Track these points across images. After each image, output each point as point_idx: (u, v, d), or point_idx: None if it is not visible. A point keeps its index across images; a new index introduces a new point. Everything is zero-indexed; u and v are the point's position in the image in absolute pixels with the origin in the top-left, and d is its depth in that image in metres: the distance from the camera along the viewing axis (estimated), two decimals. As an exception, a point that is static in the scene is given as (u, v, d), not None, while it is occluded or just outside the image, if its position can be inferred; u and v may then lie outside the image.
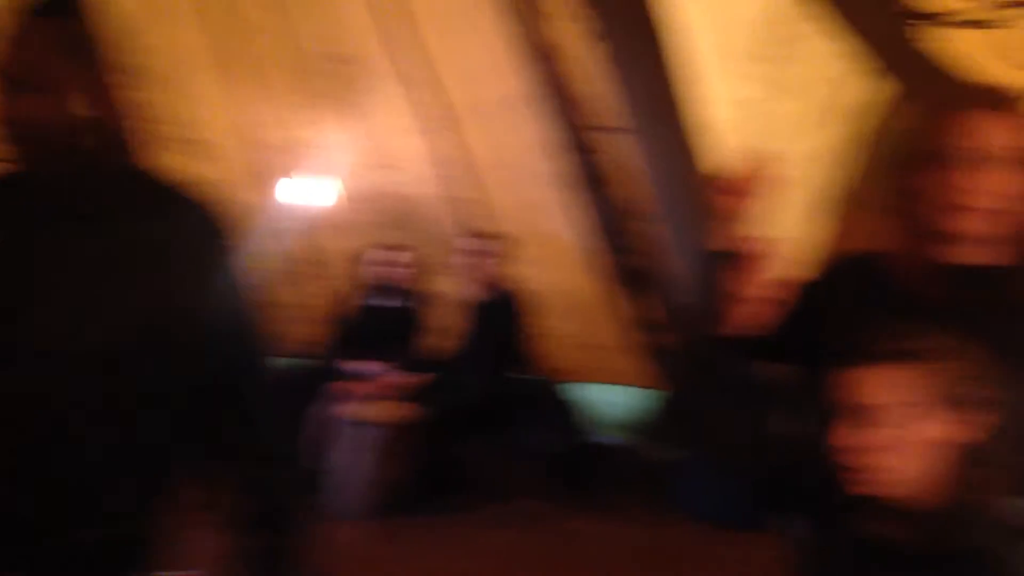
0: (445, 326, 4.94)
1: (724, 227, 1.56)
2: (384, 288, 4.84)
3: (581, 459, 4.74)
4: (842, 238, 3.90)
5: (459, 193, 5.33)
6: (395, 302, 4.90)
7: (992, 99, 1.49)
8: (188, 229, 1.23)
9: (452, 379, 4.58)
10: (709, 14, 3.62)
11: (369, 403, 4.41)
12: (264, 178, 5.34)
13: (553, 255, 5.17)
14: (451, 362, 4.79)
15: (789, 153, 3.90)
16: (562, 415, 4.86)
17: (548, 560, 3.86)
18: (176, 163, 1.33)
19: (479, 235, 4.69)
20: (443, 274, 5.79)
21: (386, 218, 5.43)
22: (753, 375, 1.55)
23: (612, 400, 5.34)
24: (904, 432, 1.24)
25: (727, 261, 1.52)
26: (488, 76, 4.53)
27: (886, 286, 1.52)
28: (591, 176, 4.15)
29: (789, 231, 4.00)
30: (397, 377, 4.54)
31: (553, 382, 5.24)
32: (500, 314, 4.51)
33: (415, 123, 5.08)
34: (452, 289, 5.53)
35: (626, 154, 3.94)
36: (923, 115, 1.52)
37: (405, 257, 4.90)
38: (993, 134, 1.43)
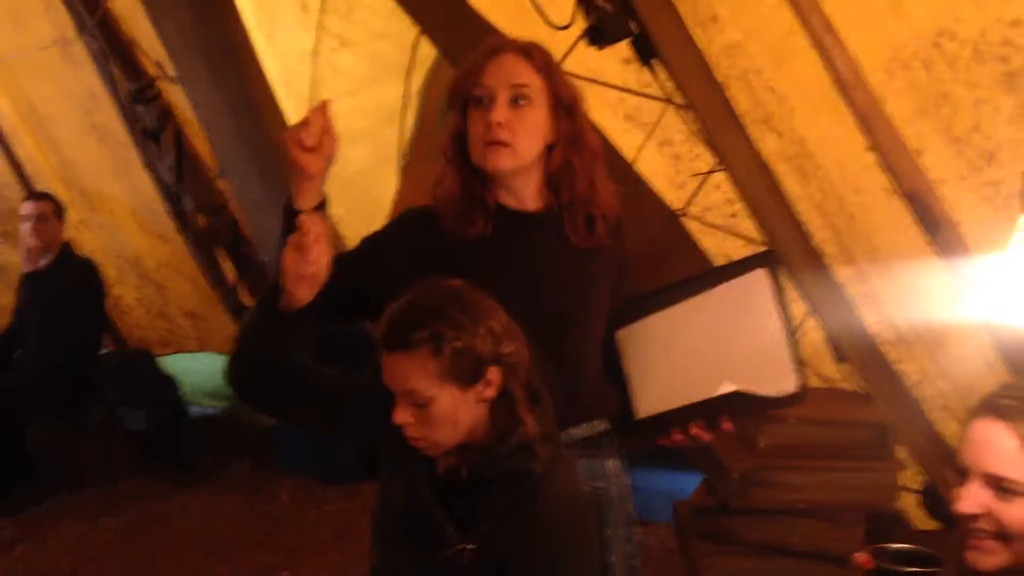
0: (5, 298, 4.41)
1: (300, 184, 1.53)
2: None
3: (178, 432, 4.54)
4: (410, 190, 4.10)
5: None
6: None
7: (516, 45, 1.62)
8: None
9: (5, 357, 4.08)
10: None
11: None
12: None
13: (117, 218, 4.81)
14: (9, 339, 4.27)
15: (354, 106, 4.04)
16: (153, 388, 4.60)
17: (154, 539, 3.69)
18: None
19: (32, 197, 4.18)
20: (1, 241, 5.11)
21: None
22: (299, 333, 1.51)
23: (203, 368, 5.17)
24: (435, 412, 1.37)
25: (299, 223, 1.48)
26: (27, 17, 4.02)
27: (441, 236, 1.61)
28: (151, 130, 3.89)
29: (354, 185, 4.16)
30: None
31: (141, 354, 4.93)
32: (62, 283, 4.09)
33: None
34: (13, 257, 4.92)
35: (187, 106, 3.75)
36: (461, 66, 1.64)
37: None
38: (511, 72, 1.57)
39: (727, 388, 1.55)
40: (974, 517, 1.37)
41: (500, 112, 1.56)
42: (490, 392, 1.39)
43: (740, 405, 1.57)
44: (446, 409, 1.37)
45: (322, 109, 1.51)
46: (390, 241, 1.68)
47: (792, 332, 1.57)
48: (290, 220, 1.56)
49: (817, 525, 2.46)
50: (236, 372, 1.52)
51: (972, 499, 1.36)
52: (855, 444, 2.50)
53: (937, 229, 1.96)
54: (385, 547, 1.52)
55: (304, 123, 1.50)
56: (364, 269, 1.64)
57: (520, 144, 1.58)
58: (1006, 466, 1.34)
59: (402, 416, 1.38)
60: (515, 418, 1.41)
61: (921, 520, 2.74)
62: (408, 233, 1.67)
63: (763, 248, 1.68)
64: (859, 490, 2.45)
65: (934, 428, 2.61)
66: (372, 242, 1.69)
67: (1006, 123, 1.90)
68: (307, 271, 1.40)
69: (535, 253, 1.63)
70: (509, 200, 1.65)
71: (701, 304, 1.62)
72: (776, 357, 1.55)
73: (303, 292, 1.42)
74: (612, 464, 1.76)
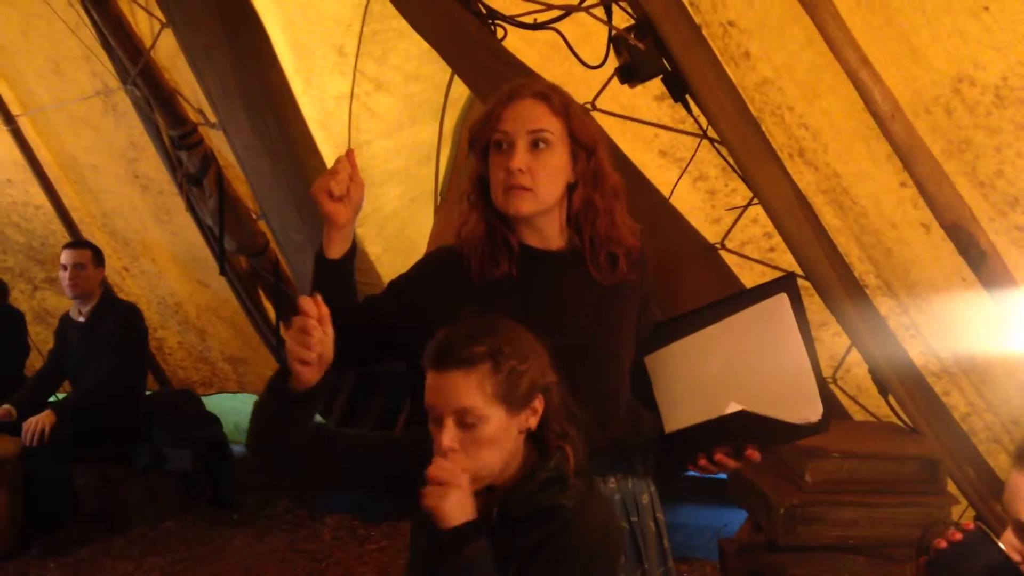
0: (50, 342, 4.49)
1: (331, 233, 1.56)
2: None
3: (222, 472, 4.58)
4: (445, 228, 4.13)
5: (40, 199, 4.83)
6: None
7: (533, 89, 1.63)
8: None
9: (63, 400, 4.14)
10: (292, 8, 3.63)
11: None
12: None
13: (159, 264, 4.90)
14: (48, 382, 4.34)
15: (390, 147, 4.09)
16: (198, 428, 4.64)
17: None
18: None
19: (70, 246, 4.27)
20: (46, 287, 5.24)
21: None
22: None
23: (245, 407, 5.21)
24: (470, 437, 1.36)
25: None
26: (68, 70, 4.14)
27: (466, 277, 1.63)
28: (193, 175, 3.97)
29: (390, 224, 4.20)
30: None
31: (185, 394, 4.99)
32: (106, 328, 4.16)
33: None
34: (58, 302, 5.04)
35: (227, 151, 3.83)
36: (483, 110, 1.66)
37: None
38: (529, 118, 1.59)
39: (734, 408, 1.54)
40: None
41: (520, 158, 1.58)
42: (533, 421, 1.40)
43: (760, 430, 1.56)
44: (494, 433, 1.37)
45: (348, 158, 1.54)
46: (417, 282, 1.70)
47: (816, 358, 1.55)
48: (321, 268, 1.60)
49: (867, 562, 2.41)
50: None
51: (1010, 547, 1.40)
52: (904, 478, 2.46)
53: (981, 261, 1.93)
54: None
55: (332, 173, 1.52)
56: (391, 310, 1.67)
57: (541, 188, 1.60)
58: None
59: (450, 439, 1.36)
60: (549, 451, 1.41)
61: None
62: (434, 274, 1.69)
63: (785, 273, 1.67)
64: (909, 525, 2.40)
65: (983, 460, 2.56)
66: (399, 284, 1.71)
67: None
68: (310, 356, 1.39)
69: (560, 291, 1.64)
70: (533, 240, 1.66)
71: (724, 330, 1.62)
72: (801, 383, 1.54)
73: (310, 374, 1.42)
74: (646, 498, 1.76)
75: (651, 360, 1.70)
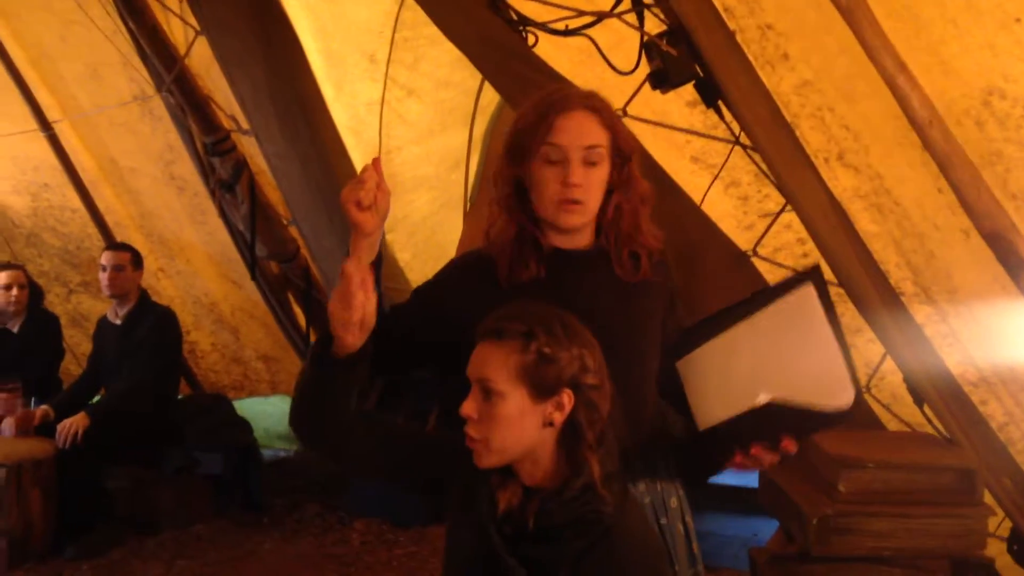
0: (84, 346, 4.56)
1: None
2: (-4, 313, 4.36)
3: (252, 475, 4.61)
4: (474, 234, 4.14)
5: (76, 203, 4.91)
6: (8, 326, 4.50)
7: (584, 101, 1.64)
8: None
9: (96, 403, 4.20)
10: (324, 16, 3.66)
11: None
12: None
13: (194, 265, 4.96)
14: (86, 385, 4.40)
15: (421, 153, 4.11)
16: (229, 432, 4.68)
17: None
18: None
19: (110, 248, 4.34)
20: (81, 291, 5.32)
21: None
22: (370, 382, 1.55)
23: (275, 411, 5.26)
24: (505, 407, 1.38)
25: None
26: (106, 75, 4.21)
27: (495, 280, 1.63)
28: (226, 181, 4.01)
29: (421, 230, 4.21)
30: (20, 408, 4.07)
31: (217, 398, 5.04)
32: (141, 331, 4.21)
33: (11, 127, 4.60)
34: (93, 306, 5.11)
35: (259, 157, 3.86)
36: (524, 116, 1.66)
37: (5, 277, 4.44)
38: (583, 133, 1.60)
39: (763, 399, 1.53)
40: None
41: (577, 174, 1.59)
42: (558, 416, 1.39)
43: (792, 420, 1.54)
44: (512, 411, 1.37)
45: (374, 166, 1.54)
46: (444, 287, 1.71)
47: (846, 343, 1.53)
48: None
49: (901, 573, 2.38)
50: (297, 420, 1.54)
51: None
52: (940, 489, 2.42)
53: (1021, 270, 1.90)
54: None
55: (359, 182, 1.52)
56: (418, 319, 1.68)
57: (591, 201, 1.63)
58: None
59: (469, 407, 1.40)
60: (579, 458, 1.40)
61: (1010, 568, 2.63)
62: (462, 278, 1.70)
63: (809, 267, 1.65)
64: (945, 537, 2.37)
65: (1022, 471, 2.51)
66: (424, 291, 1.72)
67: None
68: (353, 317, 1.42)
69: (586, 290, 1.64)
70: (562, 242, 1.68)
71: (752, 326, 1.61)
72: (832, 370, 1.52)
73: (353, 338, 1.44)
74: (675, 501, 1.75)
75: (682, 365, 1.69)
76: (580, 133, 1.60)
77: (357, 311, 1.42)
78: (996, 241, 1.91)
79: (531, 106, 1.66)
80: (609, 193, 1.66)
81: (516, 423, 1.38)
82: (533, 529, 1.40)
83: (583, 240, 1.69)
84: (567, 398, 1.39)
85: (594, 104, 1.64)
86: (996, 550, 2.59)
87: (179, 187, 4.53)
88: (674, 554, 1.71)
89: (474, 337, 1.43)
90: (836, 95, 2.32)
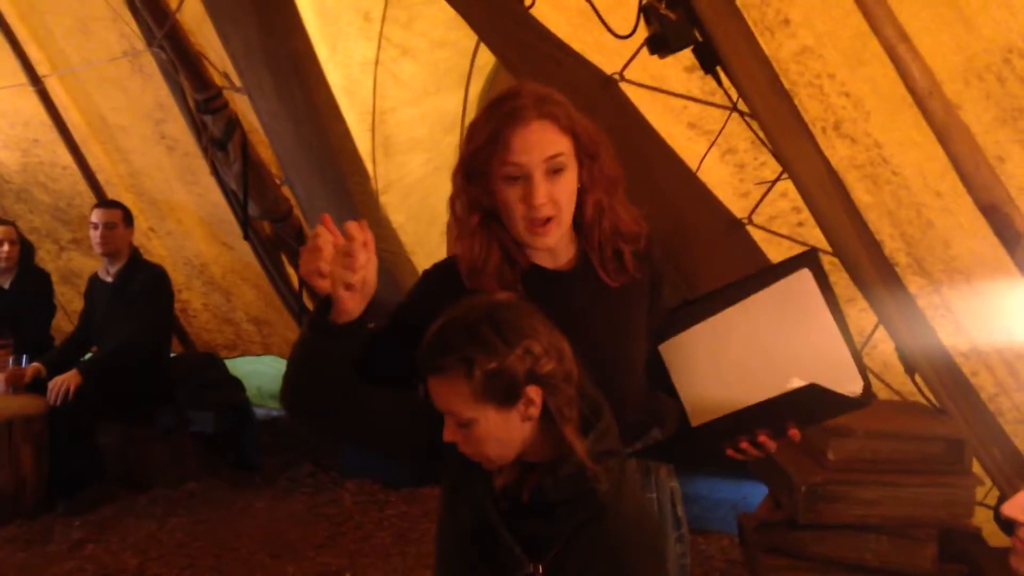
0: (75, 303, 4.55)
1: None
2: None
3: (244, 434, 4.63)
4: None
5: (67, 160, 4.86)
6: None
7: (538, 108, 1.50)
8: None
9: (88, 360, 4.20)
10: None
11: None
12: None
13: (185, 226, 4.92)
14: (78, 342, 4.40)
15: (415, 115, 4.07)
16: (221, 391, 4.69)
17: (220, 540, 3.75)
18: None
19: (101, 205, 4.31)
20: (72, 248, 5.28)
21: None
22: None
23: (268, 370, 5.26)
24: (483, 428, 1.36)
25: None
26: (96, 30, 4.13)
27: (467, 293, 1.53)
28: (218, 139, 3.96)
29: (414, 193, 4.17)
30: (11, 365, 4.07)
31: (209, 357, 5.04)
32: (133, 288, 4.20)
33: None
34: (84, 263, 5.08)
35: (252, 116, 3.82)
36: (475, 132, 1.53)
37: (-2, 233, 4.44)
38: (543, 145, 1.49)
39: (797, 383, 1.47)
40: (1020, 524, 1.38)
41: (542, 192, 1.50)
42: (533, 411, 1.38)
43: (808, 407, 1.52)
44: (489, 429, 1.36)
45: (328, 225, 1.42)
46: (420, 305, 1.60)
47: (848, 331, 1.52)
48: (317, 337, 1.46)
49: (889, 541, 2.41)
50: (291, 390, 1.50)
51: (1019, 505, 1.38)
52: (928, 458, 2.44)
53: (1016, 243, 1.89)
54: (452, 569, 1.52)
55: (313, 249, 1.41)
56: (400, 338, 1.55)
57: (563, 212, 1.54)
58: None
59: (449, 435, 1.39)
60: (564, 438, 1.38)
61: (996, 536, 2.66)
62: (435, 293, 1.59)
63: (808, 248, 1.63)
64: (933, 506, 2.39)
65: (1010, 441, 2.53)
66: (402, 314, 1.63)
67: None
68: (354, 279, 1.38)
69: (570, 306, 1.57)
70: (544, 260, 1.61)
71: (745, 310, 1.58)
72: (837, 359, 1.51)
73: (352, 303, 1.40)
74: (663, 472, 1.75)
75: (666, 348, 1.67)
76: (539, 146, 1.49)
77: (358, 272, 1.38)
78: (993, 214, 1.90)
79: (482, 120, 1.53)
80: (583, 192, 1.57)
81: (497, 435, 1.37)
82: (529, 505, 1.40)
83: (565, 255, 1.62)
84: (533, 393, 1.37)
85: (549, 110, 1.51)
86: (983, 519, 2.62)
87: (169, 146, 4.47)
88: (660, 520, 1.72)
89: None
90: (838, 61, 2.29)
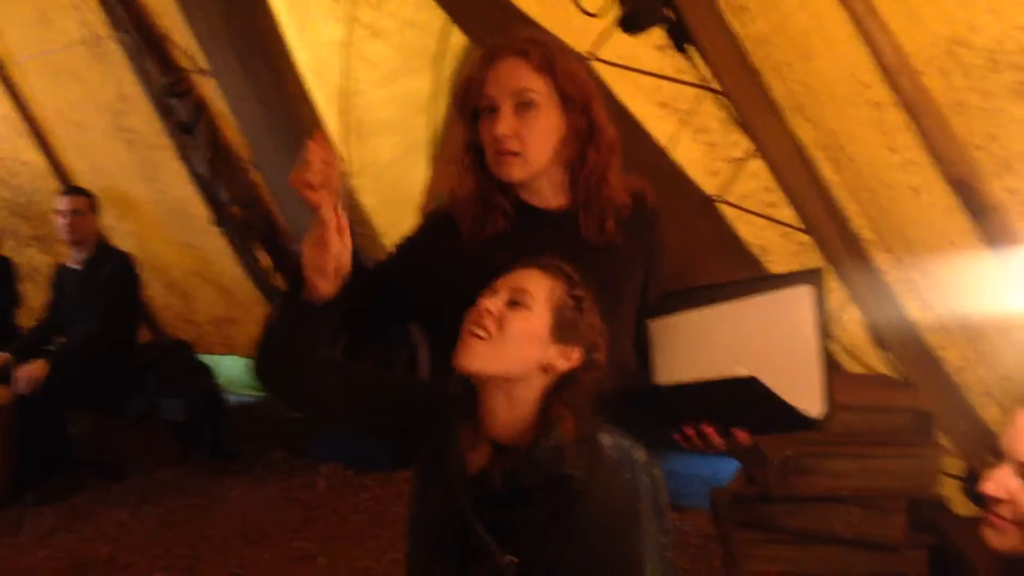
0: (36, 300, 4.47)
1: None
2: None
3: (216, 421, 4.59)
4: (440, 178, 4.10)
5: (27, 155, 4.76)
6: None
7: (514, 45, 1.54)
8: None
9: (54, 351, 4.14)
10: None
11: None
12: None
13: (143, 226, 4.83)
14: (45, 331, 4.34)
15: (385, 96, 4.04)
16: (192, 377, 4.63)
17: (193, 527, 3.72)
18: None
19: (67, 192, 4.24)
20: (33, 245, 5.19)
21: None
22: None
23: (234, 365, 5.20)
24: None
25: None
26: (56, 19, 4.05)
27: (459, 238, 1.58)
28: (185, 123, 3.92)
29: (386, 175, 4.16)
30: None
31: (179, 344, 4.97)
32: (101, 275, 4.14)
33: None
34: (43, 260, 4.99)
35: (220, 99, 3.77)
36: (464, 73, 1.60)
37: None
38: (511, 78, 1.52)
39: (741, 372, 1.44)
40: (997, 500, 1.38)
41: (505, 123, 1.52)
42: (561, 365, 1.39)
43: (755, 409, 1.49)
44: (532, 328, 1.38)
45: (319, 141, 1.43)
46: (414, 246, 1.67)
47: (827, 357, 1.53)
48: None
49: (858, 512, 2.45)
50: (261, 363, 1.48)
51: (999, 483, 1.38)
52: (896, 430, 2.49)
53: (983, 216, 1.93)
54: (423, 555, 1.49)
55: (304, 162, 1.41)
56: (394, 275, 1.66)
57: (531, 152, 1.54)
58: None
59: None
60: (556, 415, 1.38)
61: (963, 506, 2.72)
62: (429, 237, 1.66)
63: (813, 268, 1.63)
64: (900, 477, 2.44)
65: (976, 413, 2.58)
66: (404, 245, 1.68)
67: (1022, 133, 1.87)
68: (328, 264, 1.38)
69: (555, 249, 1.55)
70: (531, 198, 1.63)
71: (739, 309, 1.60)
72: (807, 379, 1.52)
73: (326, 285, 1.40)
74: (642, 454, 1.74)
75: (656, 325, 1.68)
76: (508, 79, 1.52)
77: (332, 258, 1.38)
78: (961, 187, 1.93)
79: (474, 60, 1.59)
80: (581, 145, 1.58)
81: (526, 342, 1.37)
82: (503, 491, 1.38)
83: (556, 199, 1.63)
84: (576, 354, 1.38)
85: (523, 47, 1.54)
86: (951, 489, 2.68)
87: (129, 140, 4.38)
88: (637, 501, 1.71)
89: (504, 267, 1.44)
90: (792, 52, 2.30)
